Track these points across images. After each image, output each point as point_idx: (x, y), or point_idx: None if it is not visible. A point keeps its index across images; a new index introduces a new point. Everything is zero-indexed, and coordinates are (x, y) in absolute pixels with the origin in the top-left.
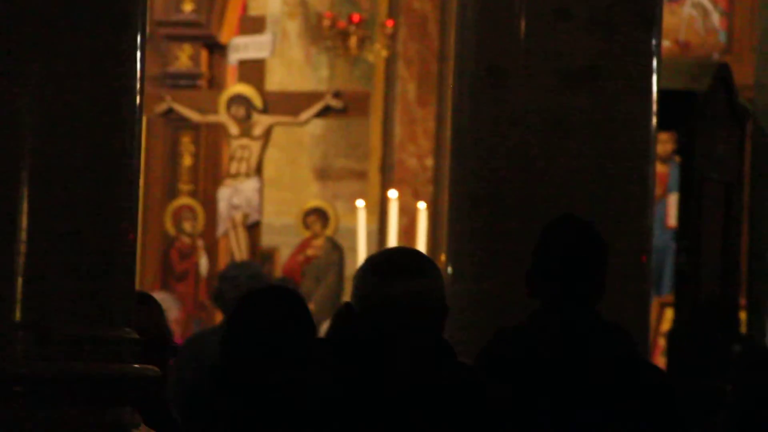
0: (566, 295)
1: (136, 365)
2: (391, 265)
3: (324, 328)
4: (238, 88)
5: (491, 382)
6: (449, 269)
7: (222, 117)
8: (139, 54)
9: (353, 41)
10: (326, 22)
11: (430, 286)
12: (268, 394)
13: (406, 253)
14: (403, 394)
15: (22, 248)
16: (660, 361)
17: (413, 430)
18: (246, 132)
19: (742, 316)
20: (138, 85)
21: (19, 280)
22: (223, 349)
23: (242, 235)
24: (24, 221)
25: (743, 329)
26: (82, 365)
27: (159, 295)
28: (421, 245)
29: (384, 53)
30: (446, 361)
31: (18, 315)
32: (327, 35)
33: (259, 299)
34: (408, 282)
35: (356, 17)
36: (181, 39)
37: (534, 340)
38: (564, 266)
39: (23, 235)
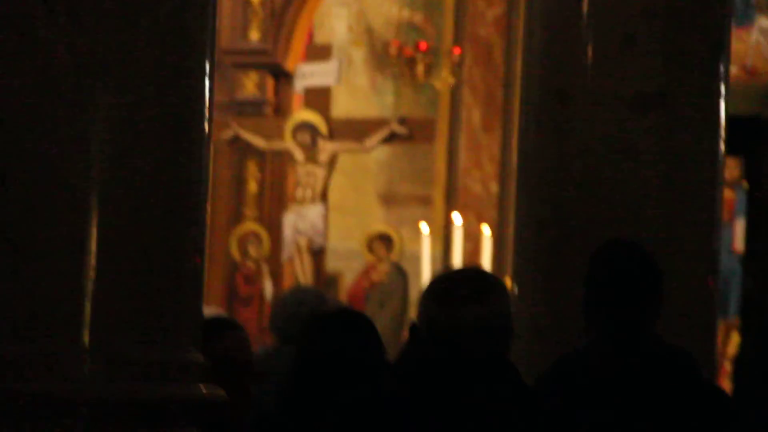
0: (618, 323)
1: (203, 388)
2: (457, 287)
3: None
4: (303, 115)
5: (553, 405)
6: (515, 291)
7: (288, 143)
8: (207, 82)
9: (420, 69)
10: (393, 51)
11: (497, 309)
12: (338, 416)
13: (471, 274)
14: (471, 417)
15: (91, 273)
16: (726, 385)
17: None
18: (311, 158)
19: None
20: (206, 113)
21: (87, 305)
22: (293, 373)
23: (307, 260)
24: (92, 246)
25: None
26: (149, 388)
27: None
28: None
29: (450, 80)
30: (512, 382)
31: (86, 338)
32: (394, 63)
33: (328, 323)
34: (475, 305)
35: (423, 45)
36: (247, 66)
37: (593, 368)
38: (613, 293)
39: (92, 260)
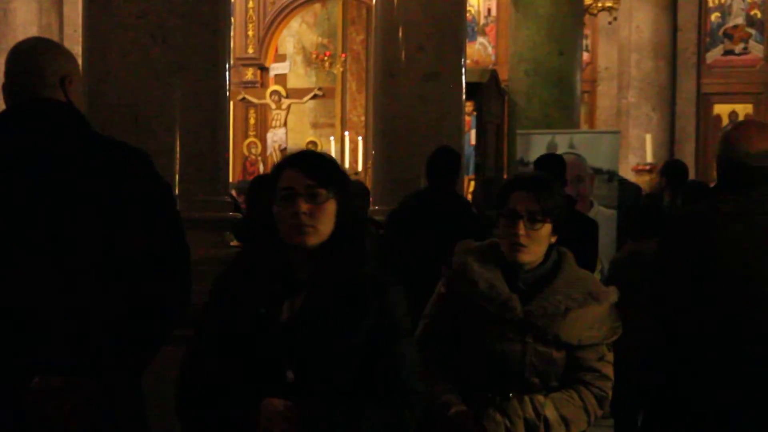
0: (430, 179)
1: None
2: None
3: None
4: (274, 87)
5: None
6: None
7: (267, 101)
8: (227, 75)
9: (327, 64)
10: (314, 56)
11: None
12: None
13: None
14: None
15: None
16: None
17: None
18: (279, 107)
19: None
20: (227, 86)
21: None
22: None
23: (278, 155)
24: (178, 164)
25: None
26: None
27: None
28: (360, 161)
29: (341, 69)
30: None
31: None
32: (315, 61)
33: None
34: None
35: (328, 53)
36: (247, 65)
37: (411, 202)
38: (430, 167)
39: (177, 166)
